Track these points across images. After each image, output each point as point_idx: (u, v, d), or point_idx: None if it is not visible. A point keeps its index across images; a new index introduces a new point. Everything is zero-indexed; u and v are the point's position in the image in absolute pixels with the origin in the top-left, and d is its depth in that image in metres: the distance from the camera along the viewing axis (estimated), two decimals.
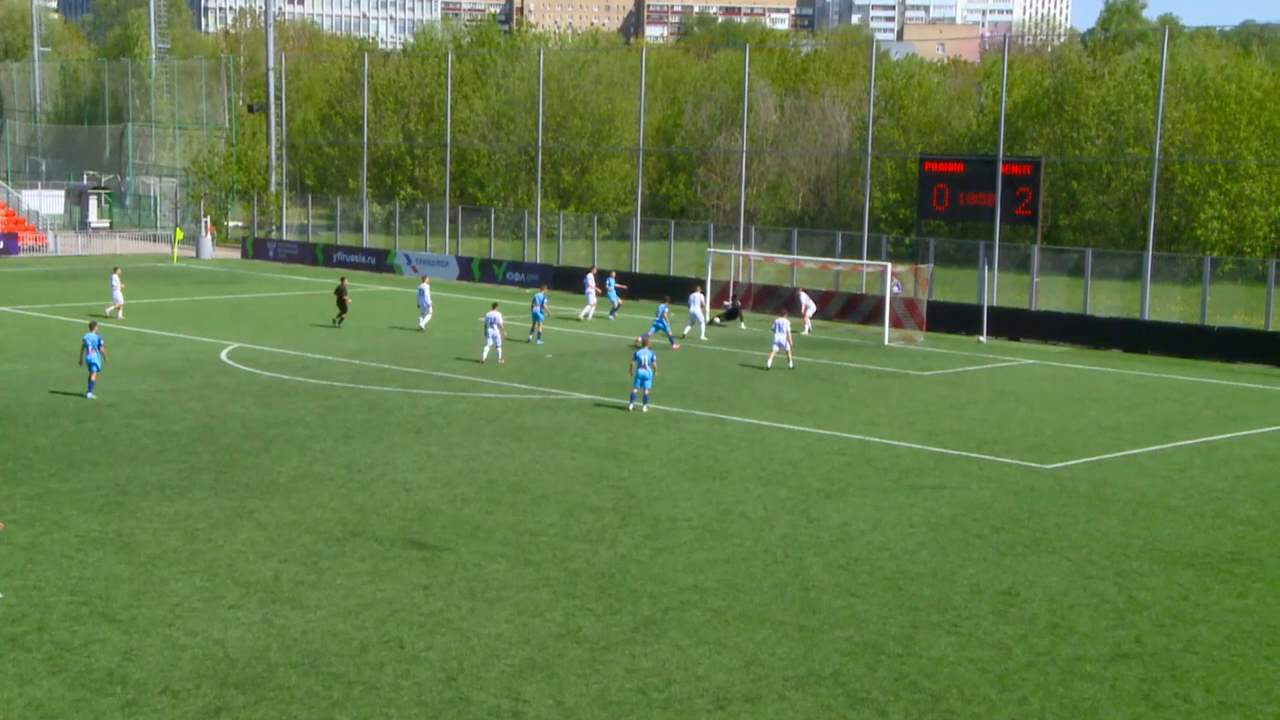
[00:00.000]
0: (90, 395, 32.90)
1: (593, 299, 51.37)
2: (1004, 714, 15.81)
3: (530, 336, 44.26)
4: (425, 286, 47.19)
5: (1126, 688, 16.62)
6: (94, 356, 32.87)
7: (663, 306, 44.59)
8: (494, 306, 40.70)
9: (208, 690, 15.83)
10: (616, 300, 52.15)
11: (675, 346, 43.40)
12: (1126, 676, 16.97)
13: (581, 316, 50.68)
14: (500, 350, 39.80)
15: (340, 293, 47.42)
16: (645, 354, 32.46)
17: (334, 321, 47.02)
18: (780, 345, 39.80)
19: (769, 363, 40.13)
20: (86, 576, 19.74)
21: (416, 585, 19.69)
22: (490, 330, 39.58)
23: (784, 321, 40.47)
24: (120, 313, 47.90)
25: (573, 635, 17.84)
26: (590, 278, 52.36)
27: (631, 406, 32.90)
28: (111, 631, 17.61)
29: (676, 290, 56.42)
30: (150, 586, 19.36)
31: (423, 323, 46.63)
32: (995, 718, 15.72)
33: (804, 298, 48.95)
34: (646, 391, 32.74)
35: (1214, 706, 16.13)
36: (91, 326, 33.89)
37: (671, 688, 16.24)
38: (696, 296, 47.06)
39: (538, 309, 44.44)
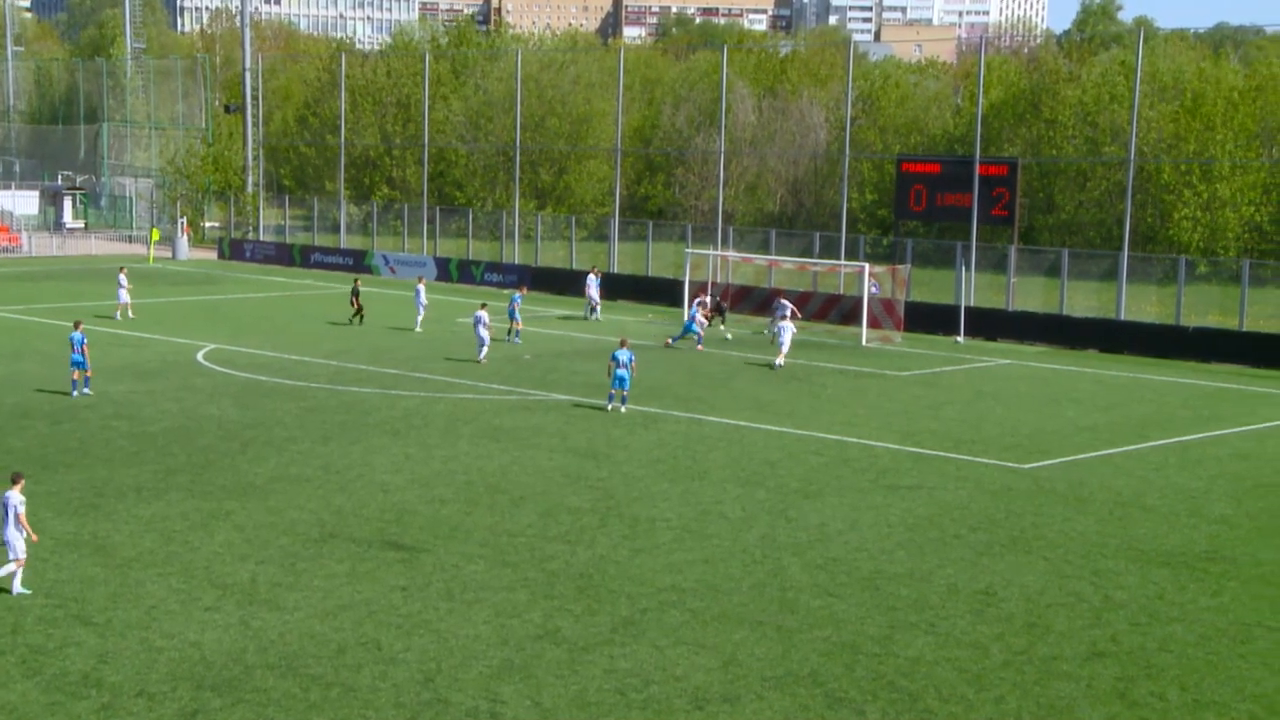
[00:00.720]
0: (75, 394, 33.09)
1: (596, 298, 51.62)
2: (981, 713, 15.86)
3: (508, 337, 44.29)
4: (421, 288, 47.72)
5: (1102, 686, 16.69)
6: (79, 355, 33.08)
7: (693, 310, 45.33)
8: (483, 306, 40.94)
9: (184, 693, 15.78)
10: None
11: (700, 347, 44.21)
12: (1102, 675, 17.04)
13: (592, 318, 51.08)
14: (484, 351, 39.89)
15: (354, 294, 48.71)
16: (623, 354, 32.50)
17: (352, 320, 47.98)
18: (783, 345, 40.71)
19: (780, 362, 40.54)
20: (61, 579, 19.65)
21: (394, 587, 19.66)
22: (478, 330, 39.74)
23: (787, 324, 41.77)
24: (130, 312, 48.07)
25: (551, 636, 17.84)
26: (592, 278, 52.35)
27: (610, 407, 32.90)
28: (87, 634, 17.54)
29: (657, 292, 56.39)
30: (126, 589, 19.29)
31: (417, 324, 46.80)
32: (972, 717, 15.77)
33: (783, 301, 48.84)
34: (625, 392, 32.76)
35: (1189, 704, 16.21)
36: (76, 325, 33.97)
37: (650, 688, 16.25)
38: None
39: (514, 309, 44.61)
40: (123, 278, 48.82)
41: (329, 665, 16.67)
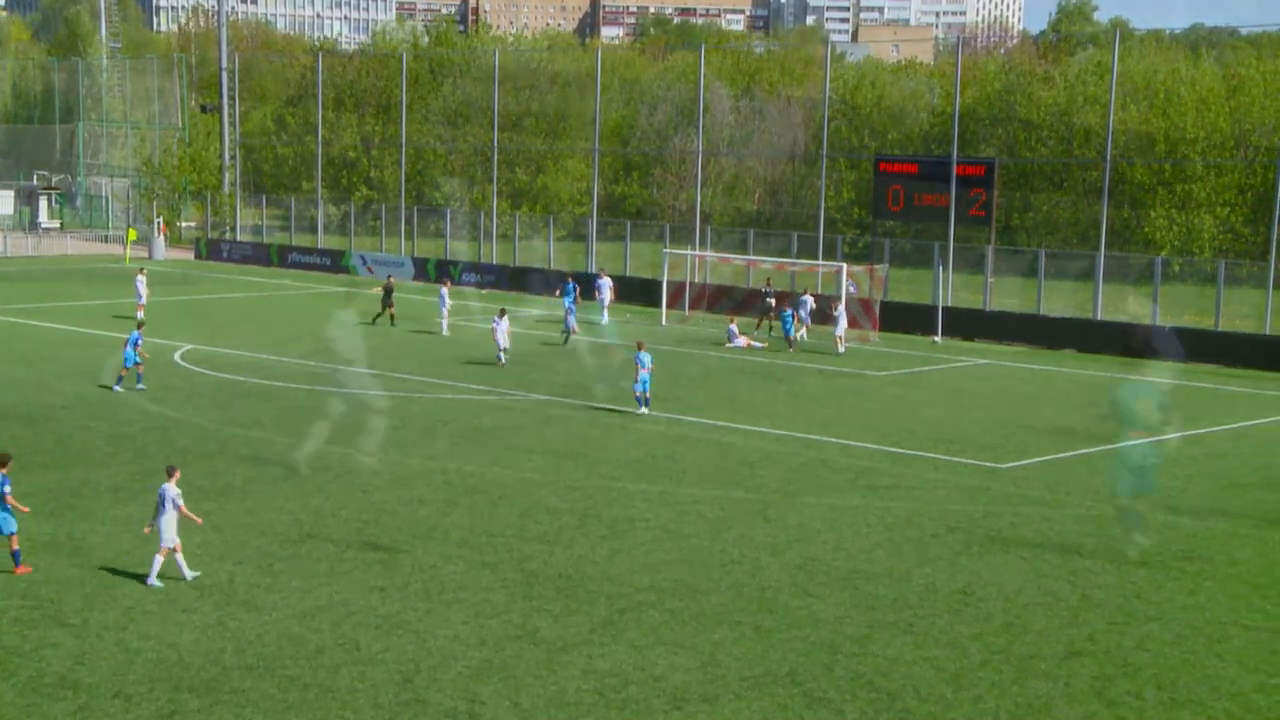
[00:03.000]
0: (118, 388, 34.06)
1: (606, 301, 51.35)
2: (959, 712, 15.90)
3: (569, 332, 44.52)
4: (445, 291, 47.44)
5: (1080, 685, 16.76)
6: (128, 352, 34.30)
7: (788, 311, 46.25)
8: (502, 313, 40.76)
9: (161, 694, 15.72)
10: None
11: (791, 349, 44.95)
12: (1080, 674, 17.11)
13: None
14: (502, 354, 39.72)
15: (387, 292, 48.63)
16: (644, 357, 32.70)
17: (374, 320, 47.84)
18: (841, 332, 44.49)
19: (842, 348, 44.07)
20: (37, 580, 19.55)
21: (372, 587, 19.61)
22: (498, 335, 39.72)
23: (842, 311, 45.14)
24: (141, 313, 47.98)
25: (529, 636, 17.83)
26: (604, 281, 52.06)
27: (644, 410, 32.86)
28: (63, 636, 17.46)
29: (635, 292, 56.36)
30: (103, 590, 19.20)
31: (444, 327, 46.55)
32: (950, 716, 15.81)
33: (805, 297, 48.69)
34: (646, 394, 32.89)
35: (1165, 703, 16.29)
36: (139, 326, 35.70)
37: (629, 688, 16.25)
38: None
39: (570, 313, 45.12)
40: (141, 279, 48.76)
41: (307, 666, 16.63)
